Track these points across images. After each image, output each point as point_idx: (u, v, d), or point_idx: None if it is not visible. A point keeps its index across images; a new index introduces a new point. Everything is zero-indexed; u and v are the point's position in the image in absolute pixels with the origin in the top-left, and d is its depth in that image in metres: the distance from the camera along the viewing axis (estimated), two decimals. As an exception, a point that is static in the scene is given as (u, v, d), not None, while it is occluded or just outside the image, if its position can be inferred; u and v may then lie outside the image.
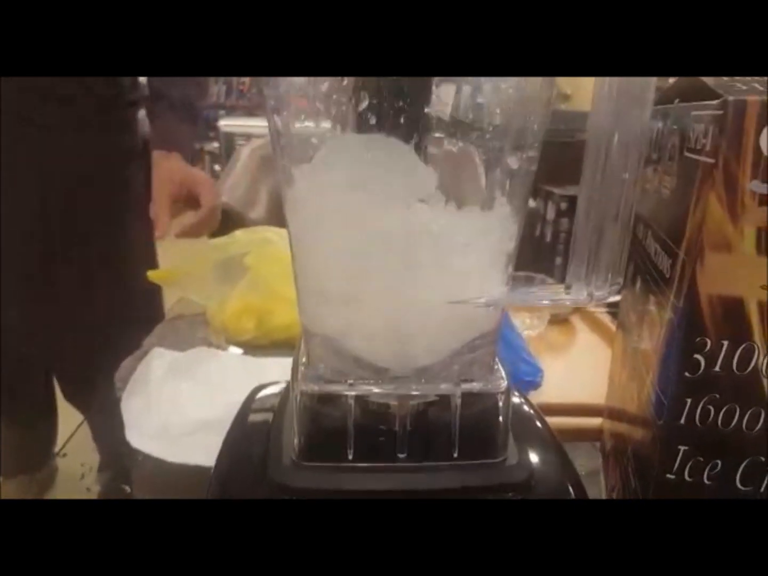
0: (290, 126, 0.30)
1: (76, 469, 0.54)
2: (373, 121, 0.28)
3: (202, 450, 0.45)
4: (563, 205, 1.17)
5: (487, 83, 0.29)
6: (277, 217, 1.38)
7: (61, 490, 0.55)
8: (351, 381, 0.31)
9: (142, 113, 1.06)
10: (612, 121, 0.27)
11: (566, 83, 1.69)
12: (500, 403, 0.32)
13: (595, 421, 0.54)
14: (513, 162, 0.30)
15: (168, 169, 0.97)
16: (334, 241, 0.31)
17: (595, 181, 0.28)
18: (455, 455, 0.32)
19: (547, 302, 0.33)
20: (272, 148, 0.31)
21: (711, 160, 0.28)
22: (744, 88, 0.28)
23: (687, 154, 0.32)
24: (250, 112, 5.54)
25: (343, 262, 0.31)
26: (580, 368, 0.69)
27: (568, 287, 0.30)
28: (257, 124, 3.30)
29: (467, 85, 0.29)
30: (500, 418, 0.32)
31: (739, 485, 0.32)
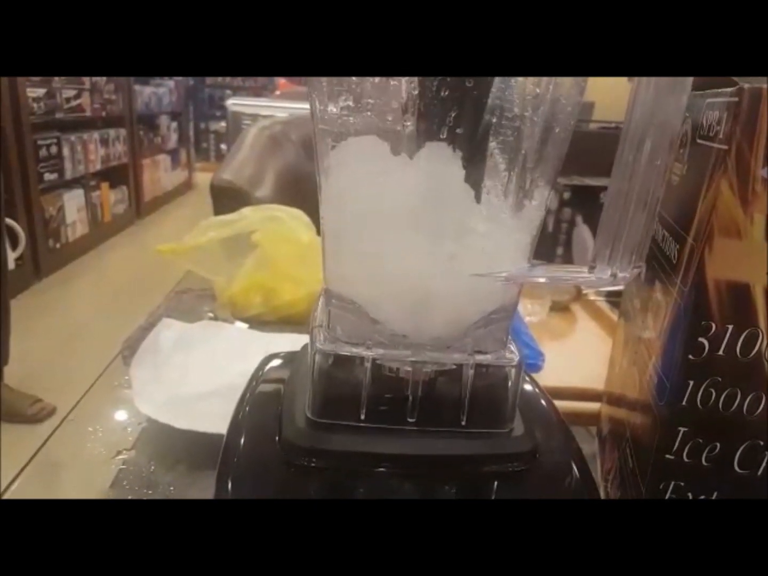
0: (328, 107, 0.30)
1: (84, 435, 0.54)
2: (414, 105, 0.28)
3: (209, 417, 0.46)
4: (566, 195, 1.14)
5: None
6: (282, 196, 1.38)
7: (70, 456, 0.56)
8: (368, 344, 0.32)
9: None
10: (648, 117, 0.28)
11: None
12: (511, 377, 0.33)
13: (593, 406, 0.54)
14: (546, 146, 0.30)
15: None
16: (364, 206, 0.31)
17: (627, 170, 0.28)
18: (464, 423, 0.33)
19: (569, 280, 0.33)
20: (312, 119, 0.32)
21: (724, 147, 0.29)
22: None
23: (699, 141, 0.32)
24: (258, 92, 5.53)
25: (370, 227, 0.31)
26: (580, 354, 0.70)
27: (591, 267, 0.30)
28: (265, 104, 3.28)
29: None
30: (509, 391, 0.33)
31: (737, 468, 0.32)
